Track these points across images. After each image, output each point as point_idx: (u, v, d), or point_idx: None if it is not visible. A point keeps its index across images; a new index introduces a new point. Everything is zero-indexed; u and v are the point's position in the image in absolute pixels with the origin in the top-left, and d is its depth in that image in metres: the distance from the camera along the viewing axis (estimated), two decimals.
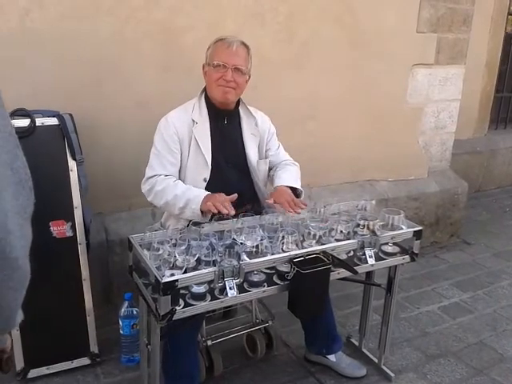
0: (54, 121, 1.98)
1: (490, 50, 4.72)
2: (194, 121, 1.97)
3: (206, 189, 1.95)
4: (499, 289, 3.05)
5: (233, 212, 1.75)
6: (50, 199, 1.98)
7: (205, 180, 1.97)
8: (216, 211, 1.75)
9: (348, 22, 2.92)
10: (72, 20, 2.19)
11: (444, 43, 3.30)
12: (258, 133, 2.11)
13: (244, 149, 2.07)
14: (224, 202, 1.76)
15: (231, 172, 2.04)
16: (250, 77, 2.02)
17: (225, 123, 2.04)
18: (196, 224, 1.79)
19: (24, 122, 1.93)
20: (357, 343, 2.36)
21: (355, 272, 1.75)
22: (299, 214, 1.91)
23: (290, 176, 2.11)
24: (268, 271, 1.71)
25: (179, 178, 1.99)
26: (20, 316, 0.76)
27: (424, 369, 2.27)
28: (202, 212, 1.83)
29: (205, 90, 2.03)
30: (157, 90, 2.42)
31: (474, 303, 2.87)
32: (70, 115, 2.05)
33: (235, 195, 1.84)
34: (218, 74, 1.90)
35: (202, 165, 1.97)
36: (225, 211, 1.74)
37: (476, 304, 2.86)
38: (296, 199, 1.95)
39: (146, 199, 2.43)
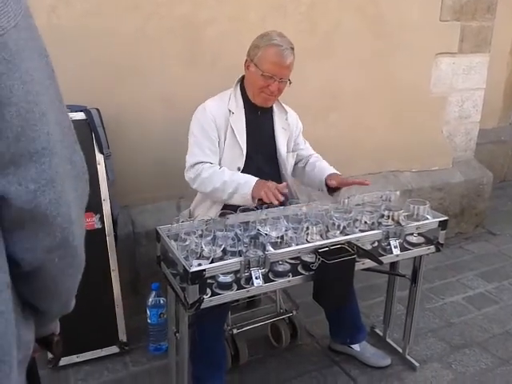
0: (81, 115, 2.03)
1: None
2: (230, 111, 2.00)
3: None
4: None
5: (281, 199, 1.77)
6: None
7: (239, 169, 2.01)
8: (268, 201, 1.78)
9: (370, 11, 2.89)
10: (97, 16, 2.23)
11: (468, 31, 3.24)
12: (289, 127, 2.15)
13: (275, 141, 2.10)
14: (275, 191, 1.78)
15: (262, 162, 2.08)
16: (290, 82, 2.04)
17: (259, 115, 2.07)
18: (222, 215, 1.82)
19: None
20: (381, 333, 2.37)
21: (380, 262, 1.75)
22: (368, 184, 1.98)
23: (328, 166, 2.19)
24: (293, 261, 1.72)
25: None
26: (74, 301, 0.82)
27: (449, 359, 2.27)
28: (253, 198, 1.87)
29: (241, 80, 2.06)
30: (180, 84, 2.44)
31: (499, 293, 2.85)
32: (97, 110, 2.09)
33: (285, 184, 1.86)
34: (263, 82, 1.93)
35: (237, 154, 2.01)
36: (275, 202, 1.76)
37: (501, 294, 2.84)
38: (356, 180, 2.06)
39: (170, 192, 2.50)
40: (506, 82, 4.74)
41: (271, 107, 2.11)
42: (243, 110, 2.03)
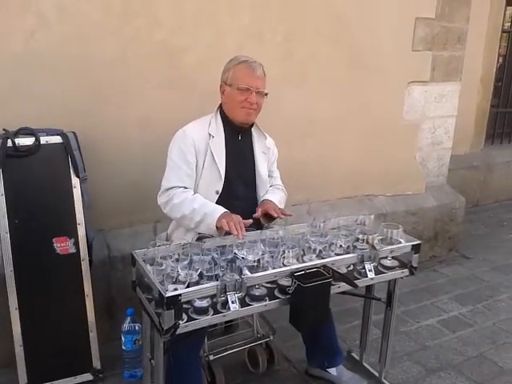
0: (57, 139, 2.03)
1: (484, 67, 4.80)
2: (210, 134, 2.02)
3: (217, 201, 2.00)
4: (498, 302, 3.07)
5: (242, 236, 1.77)
6: (53, 216, 2.03)
7: (217, 192, 2.02)
8: (228, 229, 1.79)
9: (345, 41, 2.98)
10: (76, 40, 2.24)
11: (439, 61, 3.37)
12: (268, 152, 2.19)
13: (254, 165, 2.13)
14: (238, 224, 1.80)
15: (239, 186, 2.10)
16: (267, 95, 2.08)
17: (239, 139, 2.10)
18: (198, 239, 1.82)
19: (29, 141, 1.98)
20: (357, 357, 2.37)
21: (355, 286, 1.77)
22: (282, 218, 2.02)
23: (276, 196, 2.17)
24: (269, 285, 1.73)
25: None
26: None
27: (424, 382, 2.28)
28: (217, 227, 1.87)
29: (220, 106, 2.10)
30: (158, 109, 2.46)
31: (473, 317, 2.89)
32: (74, 133, 2.10)
33: (250, 221, 1.89)
34: (242, 96, 1.97)
35: (215, 177, 2.02)
36: (235, 233, 1.77)
37: (475, 317, 2.88)
38: (281, 208, 2.07)
39: (146, 215, 2.48)
40: (477, 109, 4.92)
41: (250, 132, 2.14)
42: (223, 134, 2.06)
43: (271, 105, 2.75)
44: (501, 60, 5.20)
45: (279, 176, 2.35)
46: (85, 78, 2.30)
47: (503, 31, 4.99)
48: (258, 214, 2.01)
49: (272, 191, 2.22)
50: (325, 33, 2.90)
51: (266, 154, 2.18)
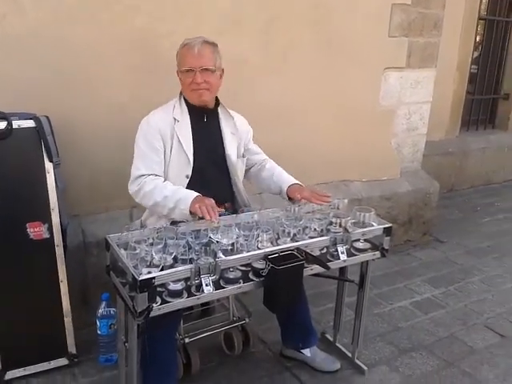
0: (30, 123, 2.00)
1: (461, 54, 4.86)
2: (175, 119, 2.01)
3: (188, 186, 2.00)
4: (470, 284, 3.15)
5: (216, 220, 1.76)
6: (26, 201, 2.01)
7: (187, 177, 2.01)
8: (201, 215, 1.78)
9: (324, 27, 2.99)
10: (51, 25, 2.21)
11: (415, 47, 3.39)
12: (238, 132, 2.18)
13: (223, 147, 2.12)
14: (211, 208, 1.78)
15: (211, 169, 2.09)
16: (223, 71, 2.07)
17: (205, 121, 2.09)
18: (173, 223, 1.82)
19: (1, 125, 1.94)
20: (331, 338, 2.42)
21: (328, 267, 1.80)
22: (329, 202, 2.07)
23: (289, 176, 2.22)
24: (244, 268, 1.75)
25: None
26: None
27: (396, 362, 2.34)
28: (190, 212, 1.86)
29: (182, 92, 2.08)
30: (133, 94, 2.43)
31: (445, 299, 2.96)
32: (47, 117, 2.06)
33: (222, 210, 1.89)
34: (188, 78, 1.96)
35: (184, 162, 2.01)
36: (207, 217, 1.76)
37: (447, 299, 2.95)
38: (318, 191, 2.10)
39: (122, 201, 2.48)
40: (453, 96, 4.99)
41: (217, 114, 2.13)
42: (188, 117, 2.05)
43: (250, 92, 2.78)
44: (477, 47, 5.27)
45: (262, 152, 2.35)
46: (60, 63, 2.26)
47: (480, 18, 5.04)
48: (298, 197, 2.05)
49: (280, 172, 2.24)
50: (304, 19, 2.90)
51: (234, 134, 2.16)
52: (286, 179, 2.20)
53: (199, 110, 2.06)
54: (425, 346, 2.48)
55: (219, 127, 2.13)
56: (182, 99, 2.07)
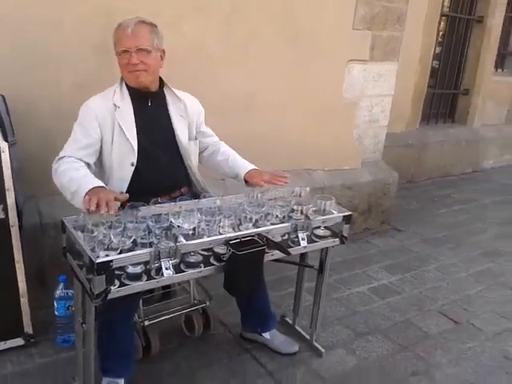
0: None
1: (423, 48, 4.96)
2: (115, 105, 1.94)
3: (136, 174, 1.94)
4: (426, 272, 3.26)
5: (112, 212, 1.63)
6: None
7: (132, 164, 1.95)
8: (89, 207, 1.62)
9: (287, 19, 2.99)
10: (11, 3, 2.14)
11: (378, 40, 3.44)
12: (187, 114, 2.10)
13: (173, 131, 2.06)
14: (106, 200, 1.64)
15: (161, 155, 2.03)
16: (164, 52, 1.99)
17: (149, 105, 2.01)
18: (132, 207, 1.80)
19: None
20: (291, 321, 2.46)
21: (288, 253, 1.83)
22: (288, 182, 2.06)
23: (244, 160, 2.21)
24: (205, 253, 1.75)
25: (105, 165, 1.97)
26: None
27: (353, 345, 2.40)
28: None
29: None
30: (95, 74, 2.38)
31: (401, 285, 3.05)
32: (2, 96, 2.01)
33: (126, 196, 1.79)
34: (124, 60, 1.89)
35: (127, 149, 1.94)
36: (87, 207, 1.63)
37: (403, 286, 3.05)
38: (277, 173, 2.08)
39: None
40: (415, 90, 5.11)
41: (163, 96, 2.06)
42: (130, 102, 1.97)
43: (212, 81, 2.76)
44: (439, 43, 5.39)
45: (214, 134, 2.32)
46: (18, 40, 2.20)
47: (442, 15, 5.16)
48: (261, 183, 2.04)
49: (235, 156, 2.22)
50: (267, 10, 2.90)
51: (183, 117, 2.08)
52: (242, 164, 2.18)
53: (142, 94, 1.98)
54: (381, 330, 2.55)
55: (167, 110, 2.06)
56: (124, 84, 1.99)
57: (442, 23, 5.32)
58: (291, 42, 3.05)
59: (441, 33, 5.36)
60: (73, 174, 1.80)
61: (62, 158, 1.89)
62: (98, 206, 1.62)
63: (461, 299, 2.93)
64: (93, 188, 1.71)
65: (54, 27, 2.26)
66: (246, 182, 2.14)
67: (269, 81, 3.04)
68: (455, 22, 5.43)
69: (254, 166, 2.17)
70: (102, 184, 1.78)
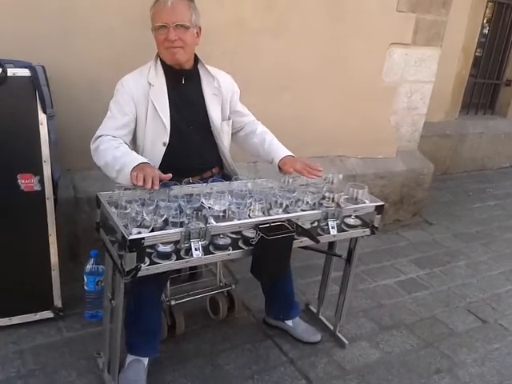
0: (25, 72, 1.94)
1: (467, 35, 4.79)
2: (150, 83, 1.93)
3: (168, 153, 1.94)
4: (455, 268, 3.19)
5: (148, 187, 1.65)
6: (18, 151, 1.98)
7: (164, 144, 1.94)
8: (136, 183, 1.65)
9: None
10: None
11: (422, 24, 3.32)
12: (220, 93, 2.06)
13: (206, 110, 2.03)
14: (152, 176, 1.66)
15: (193, 135, 2.01)
16: (200, 29, 1.96)
17: (183, 83, 1.99)
18: (165, 186, 1.80)
19: None
20: (315, 310, 2.45)
21: (317, 241, 1.81)
22: (321, 176, 2.00)
23: (281, 146, 2.14)
24: (234, 236, 1.75)
25: (138, 143, 1.97)
26: None
27: (377, 338, 2.38)
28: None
29: None
30: (132, 48, 2.36)
31: (429, 280, 3.00)
32: (43, 67, 2.01)
33: (169, 175, 1.75)
34: (161, 36, 1.86)
35: (160, 128, 1.94)
36: (134, 182, 1.65)
37: (432, 281, 2.99)
38: (311, 164, 2.00)
39: None
40: (456, 78, 4.94)
41: (197, 74, 2.03)
42: (164, 80, 1.95)
43: (249, 54, 2.72)
44: (484, 30, 5.18)
45: (250, 113, 2.26)
46: (58, 13, 2.21)
47: (489, 0, 4.95)
48: (291, 171, 1.98)
49: (272, 140, 2.15)
50: None
51: (216, 95, 2.04)
52: (278, 149, 2.11)
53: (176, 72, 1.96)
54: (406, 324, 2.51)
55: (200, 88, 2.03)
56: (159, 61, 1.97)
57: (489, 10, 5.10)
58: (333, 19, 2.97)
59: (486, 20, 5.14)
60: (115, 153, 1.81)
61: (99, 136, 1.90)
62: (144, 181, 1.64)
63: (490, 298, 2.86)
64: (138, 164, 1.73)
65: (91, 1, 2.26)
66: (279, 168, 2.10)
67: (308, 57, 2.97)
68: (502, 8, 5.19)
69: (289, 153, 2.10)
70: (146, 160, 1.79)
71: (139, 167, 1.72)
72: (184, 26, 1.86)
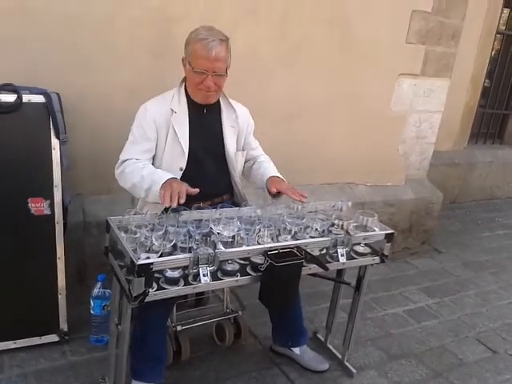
0: (40, 98, 1.99)
1: (476, 66, 4.83)
2: (172, 110, 1.96)
3: (183, 178, 1.95)
4: (465, 297, 3.14)
5: (181, 202, 1.70)
6: (30, 175, 2.01)
7: (181, 169, 1.98)
8: (163, 202, 1.71)
9: (340, 26, 2.97)
10: (66, 0, 2.20)
11: (431, 55, 3.37)
12: (238, 125, 2.11)
13: (223, 140, 2.07)
14: (179, 191, 1.72)
15: (209, 162, 2.05)
16: (229, 65, 1.99)
17: (204, 113, 2.03)
18: (174, 211, 1.81)
19: (11, 97, 1.94)
20: (323, 338, 2.42)
21: (326, 268, 1.80)
22: (304, 202, 1.98)
23: (275, 169, 2.17)
24: (242, 262, 1.75)
25: (156, 167, 1.98)
26: None
27: (385, 367, 2.34)
28: None
29: (185, 80, 2.03)
30: (147, 77, 2.43)
31: (439, 309, 2.96)
32: (57, 94, 2.06)
33: (197, 190, 1.79)
34: (198, 78, 1.90)
35: (178, 153, 1.97)
36: (162, 201, 1.71)
37: (441, 310, 2.95)
38: (297, 189, 2.00)
39: None
40: (465, 108, 4.96)
41: (218, 105, 2.07)
42: (187, 109, 1.99)
43: (260, 83, 2.77)
44: (493, 61, 5.23)
45: (259, 146, 2.30)
46: (73, 38, 2.26)
47: (498, 32, 5.01)
48: (274, 190, 1.99)
49: (268, 164, 2.19)
50: (321, 15, 2.88)
51: (234, 128, 2.10)
52: (269, 171, 2.14)
53: (199, 104, 2.01)
54: (415, 354, 2.48)
55: (220, 119, 2.08)
56: (183, 89, 2.01)
57: (497, 42, 5.16)
58: (343, 50, 3.03)
59: (494, 51, 5.19)
60: (143, 172, 1.87)
61: (124, 161, 1.94)
62: (171, 198, 1.70)
63: (500, 327, 2.82)
64: (166, 181, 1.79)
65: (107, 27, 2.32)
66: (268, 191, 2.08)
67: (318, 88, 3.02)
68: (511, 40, 5.25)
69: (279, 174, 2.13)
70: (173, 176, 1.84)
71: (167, 183, 1.78)
72: (222, 74, 1.92)
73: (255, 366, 2.23)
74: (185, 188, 1.76)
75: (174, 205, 1.70)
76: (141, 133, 1.95)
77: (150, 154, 1.98)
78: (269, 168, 2.19)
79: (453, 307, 3.00)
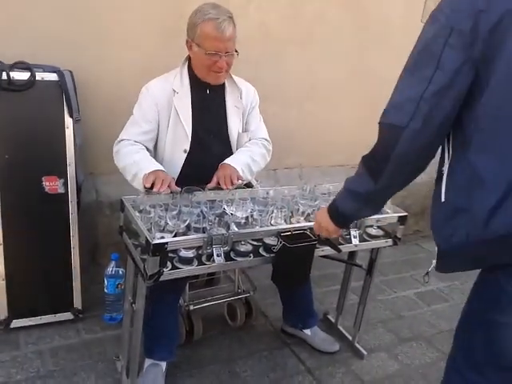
0: (53, 76, 1.99)
1: None
2: (174, 90, 1.93)
3: (187, 160, 1.94)
4: None
5: (162, 190, 1.68)
6: (44, 154, 2.02)
7: (185, 151, 1.96)
8: (146, 184, 1.70)
9: (355, 5, 2.92)
10: None
11: None
12: (242, 105, 2.07)
13: (226, 121, 2.04)
14: (161, 180, 1.70)
15: (213, 144, 2.01)
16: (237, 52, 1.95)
17: (207, 93, 1.99)
18: (188, 191, 1.81)
19: (24, 75, 1.93)
20: (333, 320, 2.43)
21: (339, 250, 1.80)
22: (229, 189, 1.85)
23: (242, 157, 2.02)
24: (255, 243, 1.74)
25: (158, 149, 1.99)
26: None
27: (396, 350, 2.35)
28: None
29: (188, 59, 1.98)
30: (160, 56, 2.40)
31: (449, 292, 2.95)
32: (71, 72, 2.05)
33: (178, 189, 1.76)
34: (210, 61, 1.85)
35: (181, 136, 1.95)
36: (144, 183, 1.70)
37: (452, 293, 2.95)
38: (231, 175, 1.88)
39: None
40: None
41: (222, 84, 2.02)
42: (189, 89, 1.95)
43: (273, 63, 2.73)
44: None
45: (263, 127, 2.18)
46: (86, 17, 2.25)
47: None
48: (212, 184, 1.86)
49: (243, 149, 2.07)
50: None
51: (239, 108, 2.05)
52: (229, 159, 1.98)
53: (202, 83, 1.96)
54: (425, 337, 2.48)
55: (223, 100, 2.03)
56: (186, 69, 1.97)
57: None
58: (358, 28, 2.98)
59: None
60: (135, 157, 1.84)
61: (121, 140, 1.92)
62: (153, 184, 1.68)
63: None
64: (155, 170, 1.77)
65: (120, 7, 2.30)
66: None
67: (331, 67, 2.98)
68: None
69: (229, 162, 1.96)
70: (161, 168, 1.81)
71: (152, 171, 1.76)
72: (233, 53, 1.88)
73: (266, 345, 2.24)
74: (169, 179, 1.75)
75: (155, 190, 1.68)
76: (141, 114, 1.93)
77: (149, 135, 1.94)
78: (236, 154, 2.04)
79: (463, 291, 2.97)
